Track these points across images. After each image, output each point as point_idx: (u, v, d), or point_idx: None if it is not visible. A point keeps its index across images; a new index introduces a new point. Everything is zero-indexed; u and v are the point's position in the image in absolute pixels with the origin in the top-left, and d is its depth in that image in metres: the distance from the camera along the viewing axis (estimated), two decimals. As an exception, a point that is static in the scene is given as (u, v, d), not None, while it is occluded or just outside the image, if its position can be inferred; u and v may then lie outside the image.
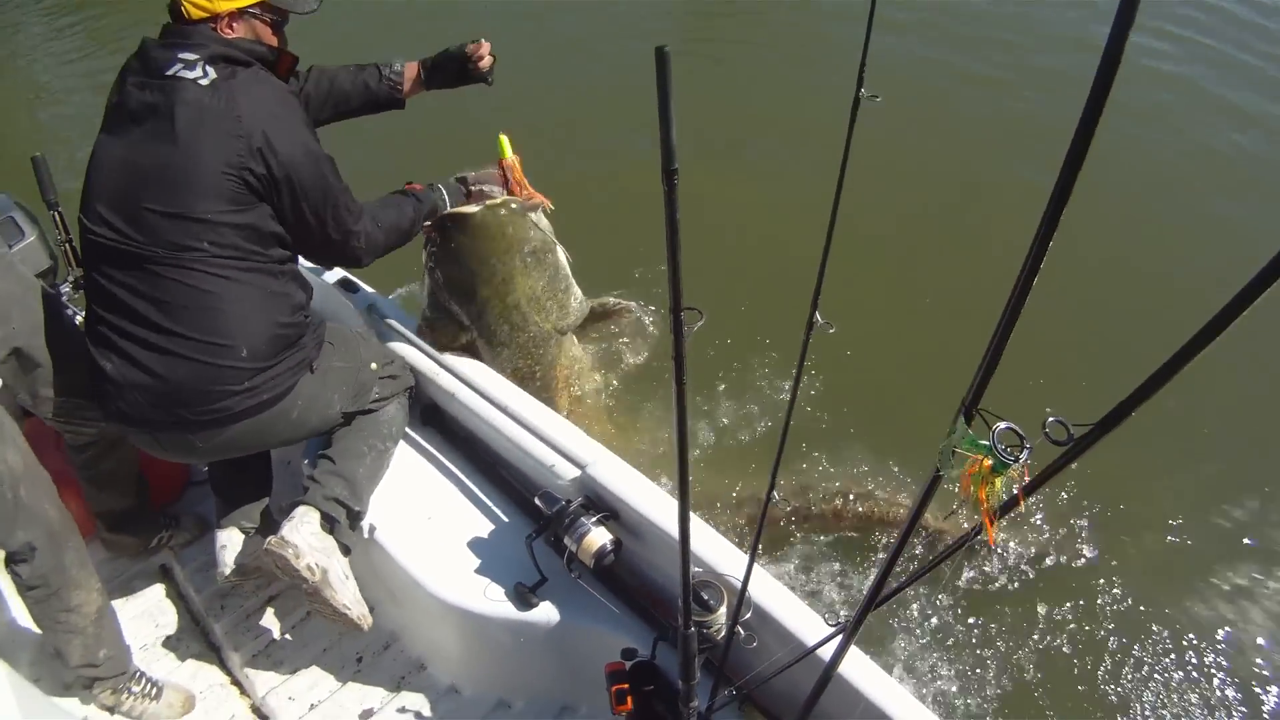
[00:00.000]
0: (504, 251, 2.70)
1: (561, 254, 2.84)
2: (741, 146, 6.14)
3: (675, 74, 0.87)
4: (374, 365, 2.47)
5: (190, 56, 2.09)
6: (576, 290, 2.92)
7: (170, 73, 2.08)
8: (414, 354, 2.69)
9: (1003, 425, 0.88)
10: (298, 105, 2.26)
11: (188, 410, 2.14)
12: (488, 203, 2.66)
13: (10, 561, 2.20)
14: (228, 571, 2.52)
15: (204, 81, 2.08)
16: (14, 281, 2.30)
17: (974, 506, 0.97)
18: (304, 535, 2.25)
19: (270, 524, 2.63)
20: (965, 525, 0.98)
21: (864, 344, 4.13)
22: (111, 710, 2.49)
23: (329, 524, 2.32)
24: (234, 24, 2.18)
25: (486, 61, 2.69)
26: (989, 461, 0.91)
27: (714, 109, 6.37)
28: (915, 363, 4.25)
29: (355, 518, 2.38)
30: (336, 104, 2.62)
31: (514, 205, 2.68)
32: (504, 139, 2.75)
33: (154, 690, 2.52)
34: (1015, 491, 0.96)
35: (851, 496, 3.35)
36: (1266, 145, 6.13)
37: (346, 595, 2.30)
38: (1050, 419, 0.87)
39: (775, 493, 1.30)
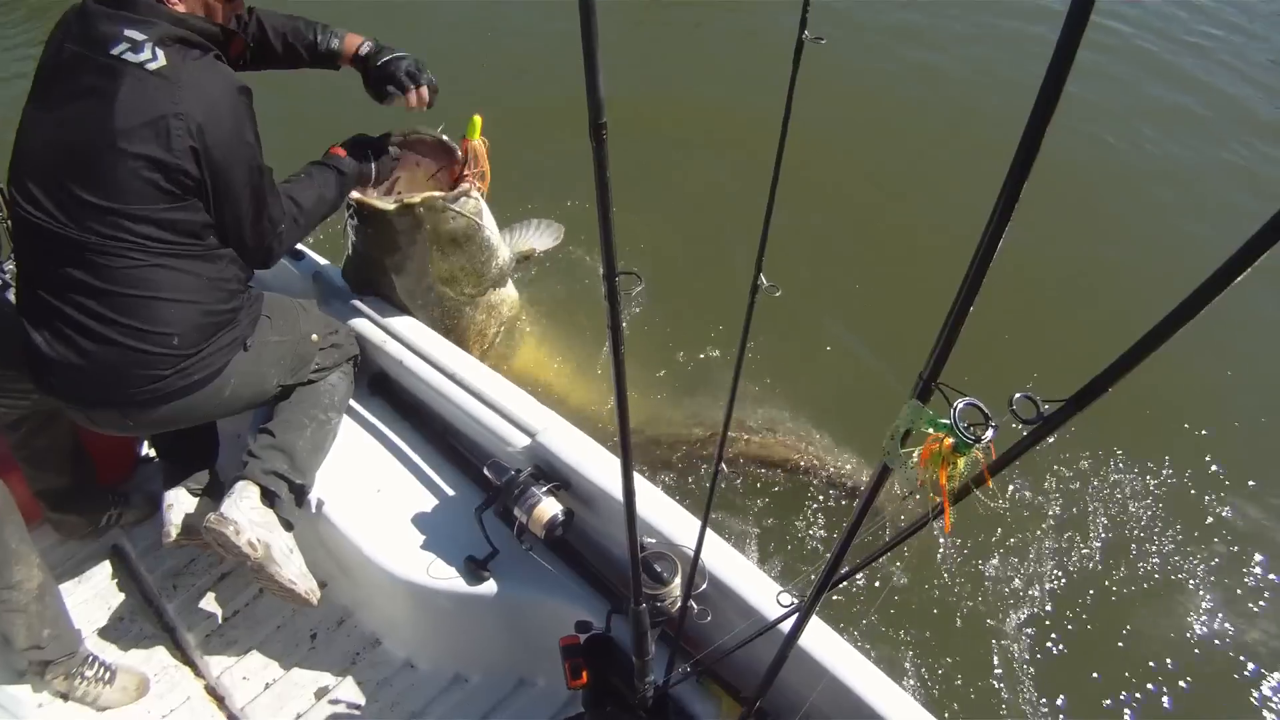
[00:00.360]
0: (416, 244, 2.59)
1: (488, 228, 2.71)
2: (684, 91, 5.98)
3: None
4: (314, 337, 2.37)
5: (137, 36, 1.93)
6: (502, 254, 2.81)
7: (115, 52, 1.92)
8: (361, 322, 2.60)
9: (964, 402, 0.80)
10: (245, 104, 2.08)
11: (116, 391, 2.08)
12: (404, 199, 2.49)
13: None
14: (175, 532, 2.45)
15: (151, 66, 1.92)
16: None
17: (932, 487, 0.90)
18: (244, 511, 2.18)
19: (217, 488, 2.56)
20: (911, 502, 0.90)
21: (812, 309, 4.09)
22: (65, 696, 2.44)
23: (269, 499, 2.24)
24: None
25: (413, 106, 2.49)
26: (950, 441, 0.83)
27: (652, 54, 6.25)
28: (868, 331, 4.16)
29: (299, 491, 2.29)
30: (266, 60, 2.47)
31: (437, 202, 2.52)
32: (477, 120, 2.60)
33: (107, 674, 2.47)
34: (981, 470, 0.89)
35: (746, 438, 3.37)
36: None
37: (291, 570, 2.23)
38: (1018, 395, 0.79)
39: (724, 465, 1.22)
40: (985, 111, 5.73)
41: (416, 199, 2.46)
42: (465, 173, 2.60)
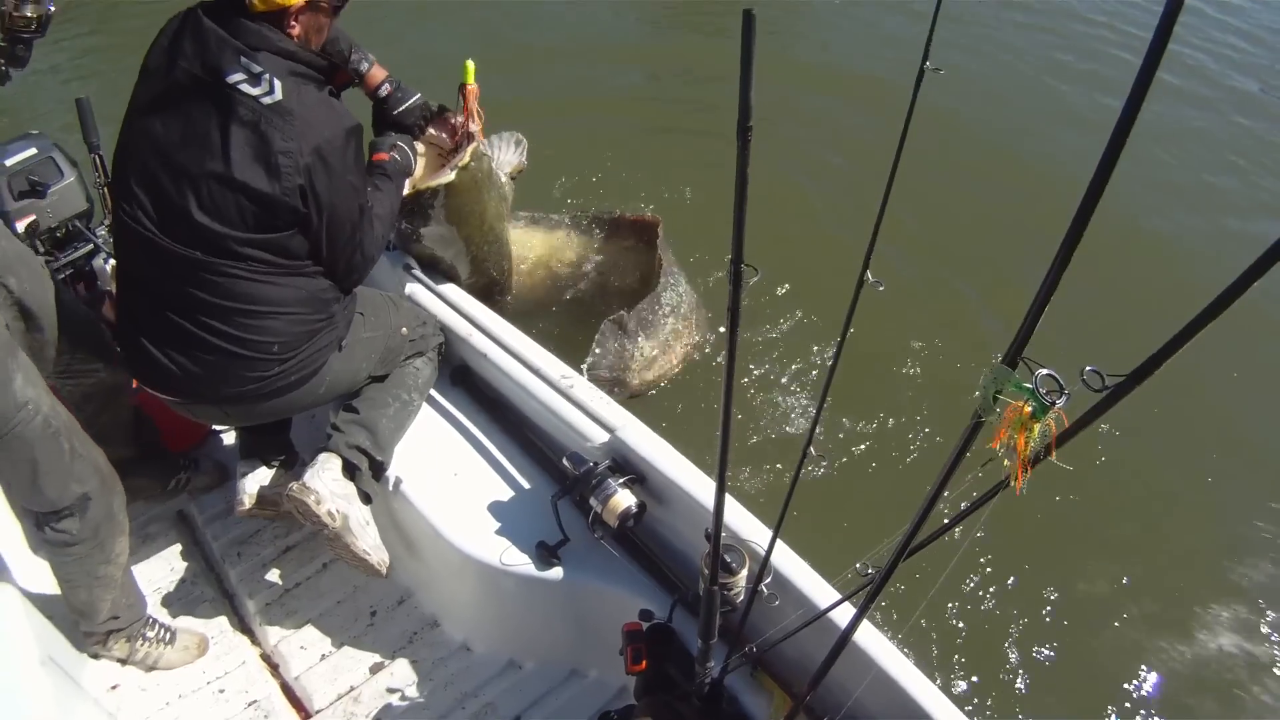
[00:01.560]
0: (481, 198, 2.86)
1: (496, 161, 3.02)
2: (796, 105, 6.52)
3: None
4: (404, 330, 2.57)
5: (254, 68, 2.02)
6: (500, 180, 3.08)
7: (231, 81, 2.01)
8: (448, 313, 2.80)
9: (1044, 371, 0.98)
10: (355, 145, 2.20)
11: (217, 392, 2.27)
12: (456, 164, 2.69)
13: (54, 519, 2.19)
14: (249, 501, 2.63)
15: (267, 100, 2.02)
16: (15, 240, 2.34)
17: (1008, 453, 1.06)
18: (325, 481, 2.35)
19: (290, 461, 2.76)
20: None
21: (907, 303, 4.53)
22: (124, 660, 2.54)
23: (350, 471, 2.42)
24: (298, 18, 2.11)
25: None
26: (1028, 408, 1.01)
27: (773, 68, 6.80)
28: (956, 323, 4.66)
29: (378, 468, 2.47)
30: None
31: (482, 155, 2.79)
32: (470, 65, 2.75)
33: (168, 635, 2.58)
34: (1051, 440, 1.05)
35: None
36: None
37: (366, 541, 2.40)
38: (1087, 369, 0.97)
39: (812, 448, 1.39)
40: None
41: (465, 158, 2.69)
42: (468, 116, 2.79)
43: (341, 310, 2.38)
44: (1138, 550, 3.66)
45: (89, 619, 2.39)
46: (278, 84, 2.03)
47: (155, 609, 2.73)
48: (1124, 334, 4.41)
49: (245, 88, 2.01)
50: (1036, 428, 1.02)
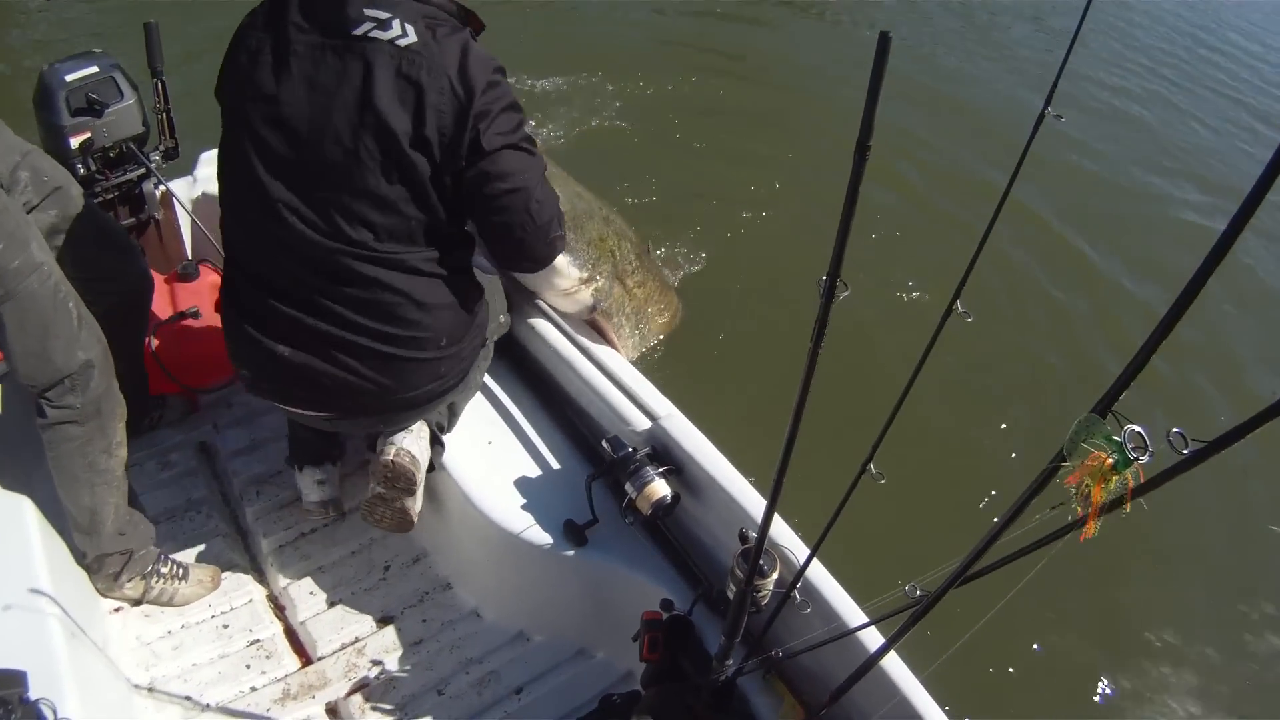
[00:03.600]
0: None
1: None
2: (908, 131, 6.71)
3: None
4: (502, 318, 2.64)
5: (382, 15, 1.90)
6: None
7: (359, 33, 1.90)
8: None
9: (1133, 427, 1.03)
10: (502, 78, 2.03)
11: (386, 400, 2.22)
12: None
13: (57, 394, 2.23)
14: (314, 498, 2.79)
15: (403, 42, 1.89)
16: (53, 164, 2.44)
17: (1081, 501, 1.12)
18: (421, 448, 2.41)
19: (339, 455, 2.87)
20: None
21: (998, 338, 4.67)
22: (139, 601, 2.60)
23: (435, 441, 2.50)
24: None
25: None
26: (1111, 460, 1.06)
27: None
28: (1039, 366, 4.78)
29: (440, 447, 2.55)
30: None
31: None
32: None
33: (181, 570, 2.64)
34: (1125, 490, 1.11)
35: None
36: None
37: (420, 504, 2.48)
38: (1173, 430, 1.02)
39: (872, 465, 1.44)
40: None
41: None
42: None
43: (483, 300, 2.40)
44: (1205, 623, 3.72)
45: (96, 533, 2.41)
46: (409, 27, 1.91)
47: (167, 538, 2.80)
48: (1216, 392, 4.51)
49: (376, 34, 1.90)
50: (1115, 480, 1.08)
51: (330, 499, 2.82)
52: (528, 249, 2.19)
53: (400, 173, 1.96)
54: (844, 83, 7.21)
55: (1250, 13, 11.07)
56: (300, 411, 2.32)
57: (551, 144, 5.84)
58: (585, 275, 2.72)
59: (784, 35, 8.61)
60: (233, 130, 2.05)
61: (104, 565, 2.47)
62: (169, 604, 2.65)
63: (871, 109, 1.09)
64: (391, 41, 1.90)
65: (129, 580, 2.53)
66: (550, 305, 2.81)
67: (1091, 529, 1.11)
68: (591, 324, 2.86)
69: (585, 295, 2.76)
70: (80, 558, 2.48)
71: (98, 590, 2.54)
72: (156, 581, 2.58)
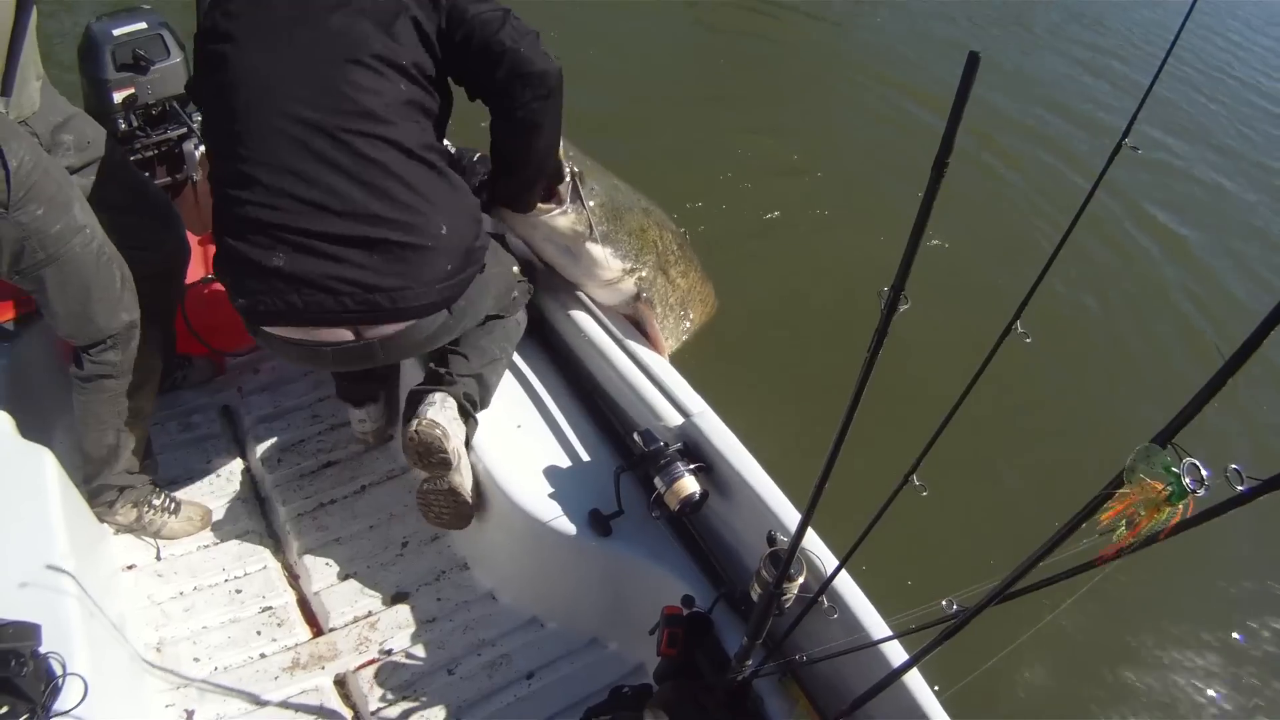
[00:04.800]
0: None
1: None
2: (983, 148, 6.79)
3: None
4: (515, 269, 2.64)
5: None
6: None
7: None
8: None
9: (1191, 461, 1.06)
10: None
11: (382, 297, 2.12)
12: None
13: (97, 351, 2.33)
14: (358, 430, 2.92)
15: None
16: (96, 127, 2.49)
17: (1128, 526, 1.15)
18: (448, 418, 2.37)
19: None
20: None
21: (1058, 362, 4.72)
22: (127, 527, 2.68)
23: (465, 416, 2.47)
24: None
25: None
26: (1166, 492, 1.09)
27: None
28: (1094, 393, 4.85)
29: (474, 422, 2.55)
30: None
31: None
32: None
33: (173, 505, 2.73)
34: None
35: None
36: None
37: (470, 481, 2.50)
38: (1230, 466, 1.05)
39: (914, 476, 1.47)
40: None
41: None
42: None
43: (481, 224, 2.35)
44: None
45: (108, 466, 2.51)
46: None
47: (187, 495, 2.88)
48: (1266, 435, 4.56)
49: None
50: (1166, 511, 1.10)
51: (373, 429, 2.97)
52: (524, 58, 2.18)
53: (391, 38, 2.08)
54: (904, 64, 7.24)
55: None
56: (308, 339, 2.22)
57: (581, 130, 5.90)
58: (628, 266, 2.74)
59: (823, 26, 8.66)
60: (216, 37, 2.13)
61: (103, 493, 2.57)
62: (157, 535, 2.73)
63: (953, 128, 1.12)
64: None
65: (122, 506, 2.61)
66: (591, 297, 2.85)
67: (1121, 551, 1.13)
68: (634, 316, 2.87)
69: (629, 285, 2.79)
70: (84, 481, 2.56)
71: (93, 510, 2.60)
72: (148, 511, 2.67)
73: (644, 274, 2.80)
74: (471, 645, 2.64)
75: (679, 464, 2.24)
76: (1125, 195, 6.40)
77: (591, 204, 2.63)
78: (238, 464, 3.08)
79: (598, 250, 2.65)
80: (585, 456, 2.57)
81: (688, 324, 3.02)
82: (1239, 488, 1.05)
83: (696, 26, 8.62)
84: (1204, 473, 1.06)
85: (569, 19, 7.47)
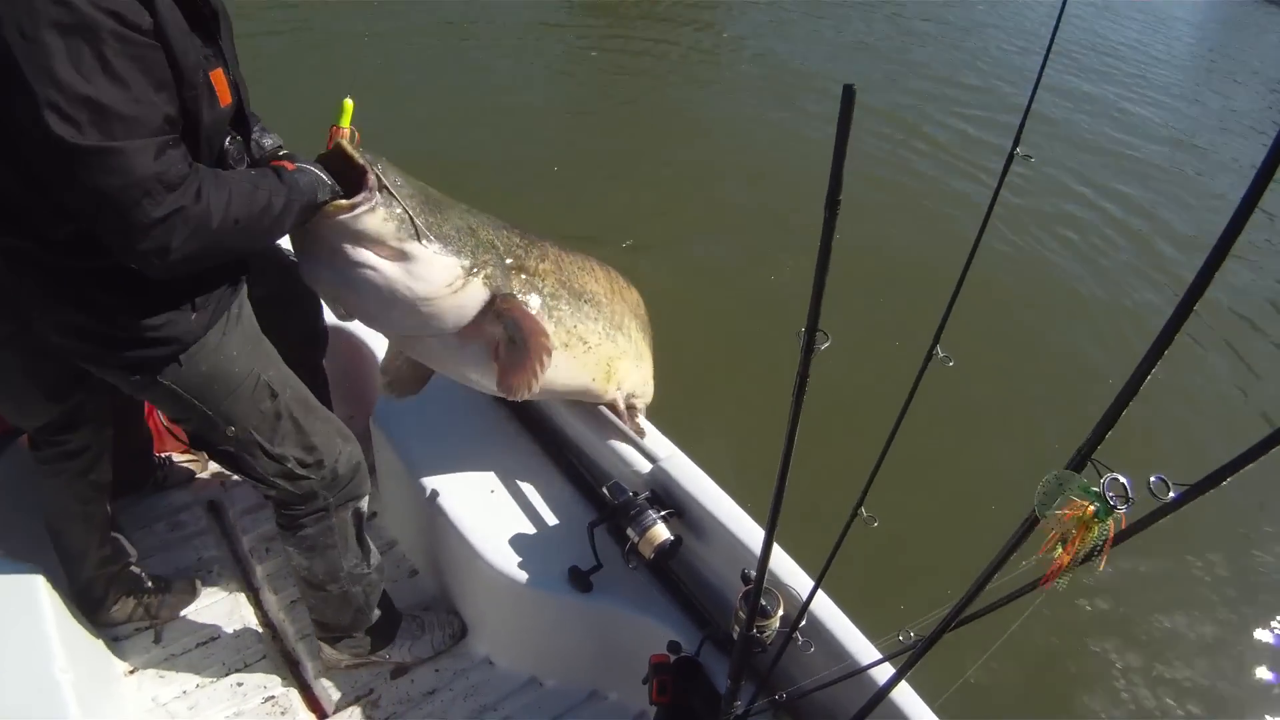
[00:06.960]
0: None
1: None
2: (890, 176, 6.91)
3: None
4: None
5: None
6: None
7: None
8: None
9: (1112, 476, 1.03)
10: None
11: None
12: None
13: (50, 432, 2.23)
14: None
15: None
16: None
17: (1065, 548, 1.11)
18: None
19: None
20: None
21: (977, 383, 4.71)
22: (126, 619, 2.65)
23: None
24: None
25: None
26: (1092, 509, 1.06)
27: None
28: (1021, 408, 4.87)
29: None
30: None
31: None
32: (349, 104, 2.20)
33: (163, 584, 2.71)
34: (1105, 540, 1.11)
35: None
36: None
37: None
38: (1153, 477, 1.02)
39: (863, 509, 1.45)
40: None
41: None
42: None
43: None
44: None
45: (84, 560, 2.46)
46: None
47: (179, 590, 2.82)
48: (1192, 437, 4.53)
49: None
50: (1097, 529, 1.07)
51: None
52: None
53: None
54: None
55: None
56: None
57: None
58: (468, 264, 2.04)
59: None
60: None
61: (91, 589, 2.52)
62: (156, 617, 2.69)
63: (839, 163, 1.09)
64: None
65: (115, 602, 2.57)
66: (459, 374, 2.34)
67: (1053, 580, 1.10)
68: (507, 336, 2.15)
69: (477, 288, 2.08)
70: (71, 585, 2.51)
71: (91, 621, 2.56)
72: (143, 597, 2.63)
73: (490, 270, 2.11)
74: (474, 711, 2.60)
75: (650, 512, 2.21)
76: (1029, 205, 6.49)
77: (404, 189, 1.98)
78: (229, 557, 3.04)
79: (425, 250, 1.95)
80: (560, 513, 2.54)
81: (592, 310, 2.42)
82: (1170, 495, 1.02)
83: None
84: (1126, 485, 1.03)
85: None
